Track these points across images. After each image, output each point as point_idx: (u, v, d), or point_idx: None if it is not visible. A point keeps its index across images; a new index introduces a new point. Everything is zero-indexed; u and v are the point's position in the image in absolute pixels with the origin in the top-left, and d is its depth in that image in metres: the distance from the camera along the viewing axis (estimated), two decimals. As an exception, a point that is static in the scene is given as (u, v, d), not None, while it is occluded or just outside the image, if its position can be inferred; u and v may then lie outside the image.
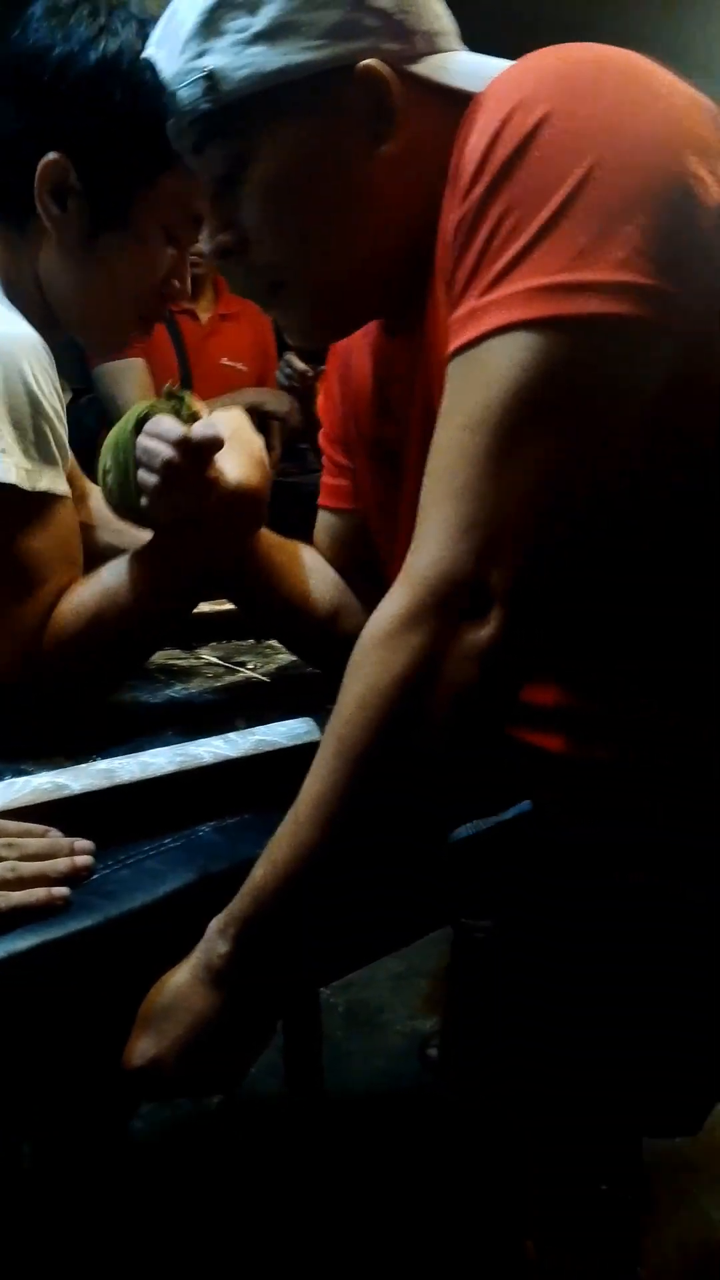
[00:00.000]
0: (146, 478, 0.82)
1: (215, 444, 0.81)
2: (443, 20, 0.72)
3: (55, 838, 0.68)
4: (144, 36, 0.86)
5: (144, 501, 0.83)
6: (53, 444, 0.88)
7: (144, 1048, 0.65)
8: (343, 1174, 1.43)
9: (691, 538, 0.65)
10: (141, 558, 0.89)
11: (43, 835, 0.68)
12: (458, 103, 0.66)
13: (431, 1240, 1.19)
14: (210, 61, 0.68)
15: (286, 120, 0.69)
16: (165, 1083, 0.66)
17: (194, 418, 0.85)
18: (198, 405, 0.88)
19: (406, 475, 0.79)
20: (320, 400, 0.98)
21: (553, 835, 0.80)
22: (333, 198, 0.70)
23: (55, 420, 0.88)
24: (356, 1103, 1.69)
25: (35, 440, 0.86)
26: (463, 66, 0.70)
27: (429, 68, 0.69)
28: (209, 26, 0.68)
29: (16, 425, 0.84)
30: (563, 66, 0.60)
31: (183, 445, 0.80)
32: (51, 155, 0.88)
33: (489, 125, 0.58)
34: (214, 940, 0.64)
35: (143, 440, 0.83)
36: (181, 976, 0.65)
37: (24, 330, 0.89)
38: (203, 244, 0.77)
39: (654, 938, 0.76)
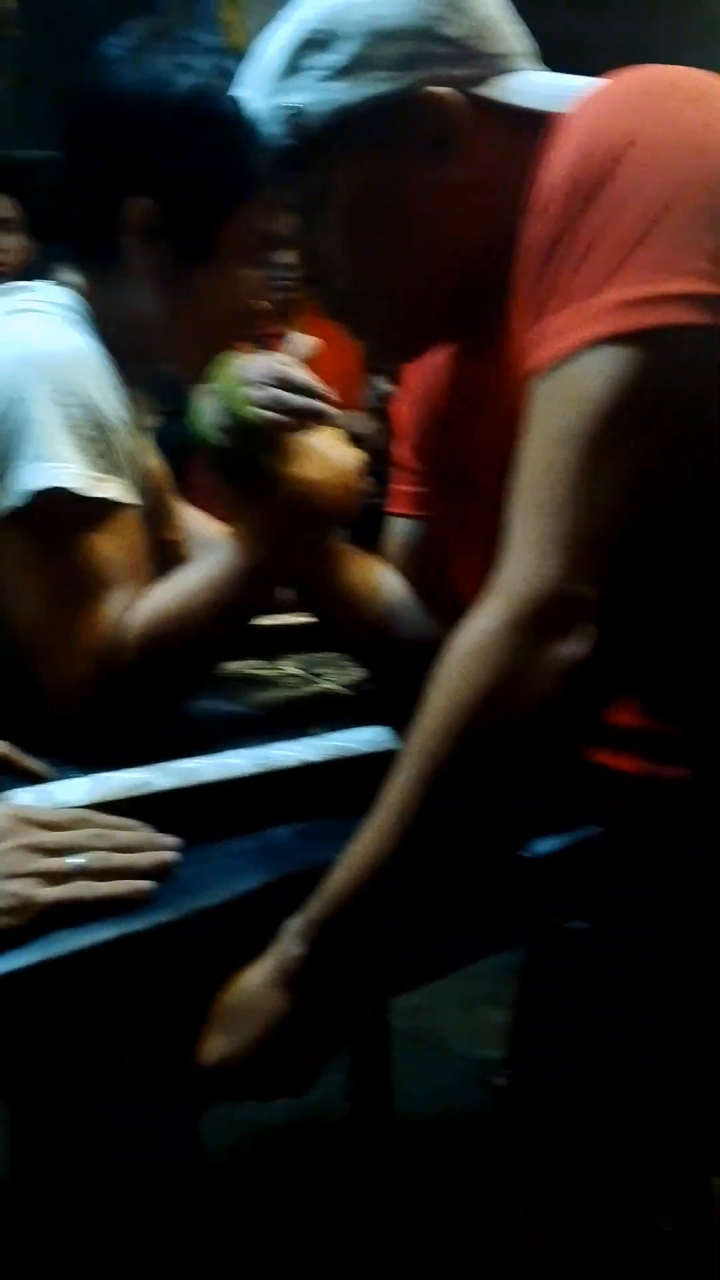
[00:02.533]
0: (259, 392, 0.88)
1: (317, 349, 0.89)
2: (513, 42, 0.74)
3: (145, 832, 0.70)
4: (221, 70, 0.89)
5: (262, 413, 0.88)
6: (118, 454, 0.90)
7: (217, 1045, 0.66)
8: (407, 1197, 1.42)
9: None
10: (216, 554, 0.91)
11: (133, 829, 0.70)
12: (529, 123, 0.68)
13: (493, 1268, 1.17)
14: (294, 99, 0.73)
15: (361, 150, 0.72)
16: (236, 1082, 0.66)
17: None
18: None
19: (479, 492, 0.80)
20: (396, 408, 1.00)
21: (629, 853, 0.79)
22: (403, 222, 0.73)
23: (121, 431, 0.90)
24: (422, 1128, 1.67)
25: (98, 451, 0.88)
26: (533, 87, 0.72)
27: (498, 89, 0.71)
28: (293, 65, 0.73)
29: (77, 436, 0.87)
30: (644, 89, 0.62)
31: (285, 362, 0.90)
32: (136, 196, 0.91)
33: (572, 147, 0.60)
34: (289, 942, 0.65)
35: (247, 361, 0.90)
36: (256, 976, 0.66)
37: (83, 344, 0.92)
38: (292, 270, 0.80)
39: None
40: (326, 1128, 1.54)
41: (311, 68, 0.71)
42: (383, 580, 1.01)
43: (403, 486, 0.99)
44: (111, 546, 0.88)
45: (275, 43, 0.74)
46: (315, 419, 0.90)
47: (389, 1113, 1.48)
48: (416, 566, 0.99)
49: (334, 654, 1.18)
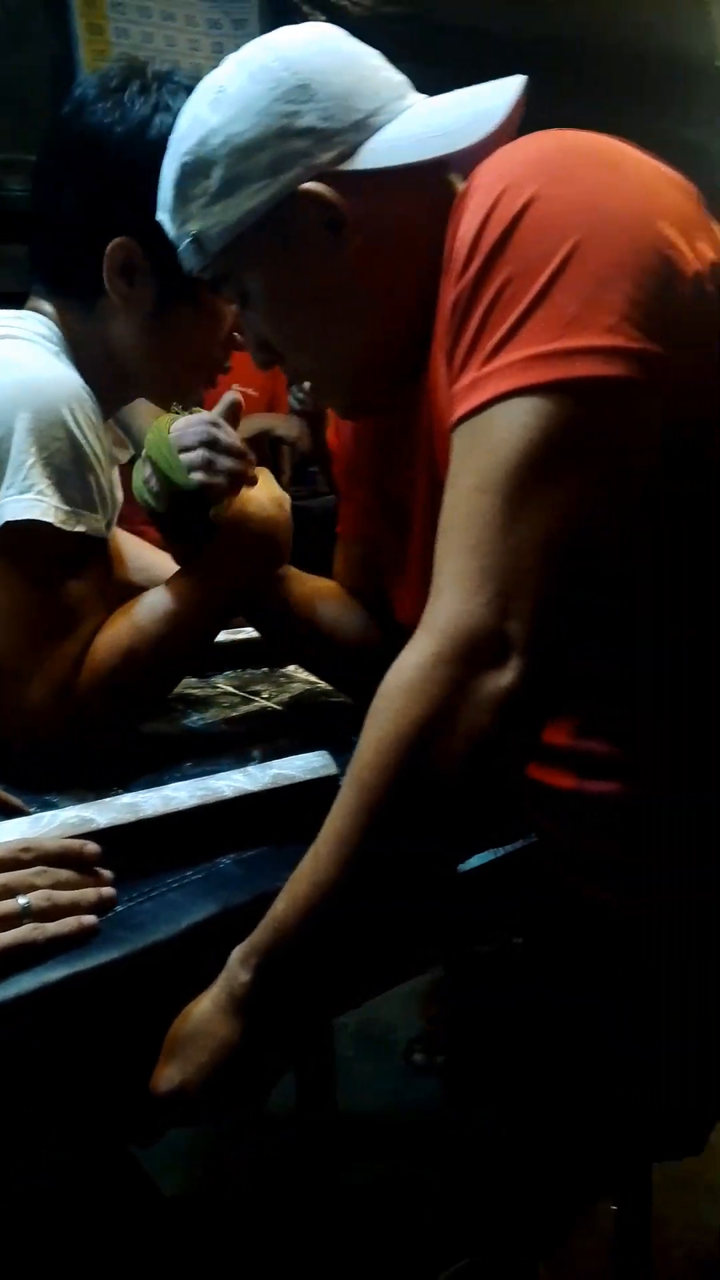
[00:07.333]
0: (191, 456, 0.90)
1: (239, 406, 0.95)
2: (381, 93, 0.75)
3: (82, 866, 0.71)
4: None
5: (195, 477, 0.89)
6: (93, 490, 0.90)
7: (170, 1074, 0.67)
8: (355, 1193, 1.45)
9: (696, 583, 0.68)
10: (171, 590, 0.92)
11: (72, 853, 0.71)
12: (414, 172, 0.72)
13: (442, 1261, 1.21)
14: (192, 227, 0.77)
15: (259, 253, 0.77)
16: (190, 1108, 0.68)
17: None
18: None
19: (414, 525, 0.83)
20: (330, 433, 1.03)
21: (559, 864, 0.82)
22: (317, 304, 0.77)
23: (97, 466, 0.91)
24: (368, 1122, 1.70)
25: (75, 485, 0.88)
26: (402, 139, 0.74)
27: (368, 158, 0.73)
28: (181, 197, 0.77)
29: (54, 469, 0.87)
30: (544, 153, 0.65)
31: (215, 421, 0.92)
32: (118, 239, 0.92)
33: (478, 210, 0.62)
34: (235, 970, 0.67)
35: (178, 426, 0.92)
36: (205, 1005, 0.68)
37: (67, 376, 0.92)
38: (253, 358, 0.84)
39: (660, 962, 0.78)
40: (274, 1124, 1.57)
41: (194, 196, 0.76)
42: (340, 602, 1.04)
43: (346, 509, 1.02)
44: (81, 583, 0.89)
45: (165, 175, 0.78)
46: (242, 480, 0.93)
47: (333, 1107, 1.51)
48: (365, 584, 1.03)
49: (267, 670, 1.20)
